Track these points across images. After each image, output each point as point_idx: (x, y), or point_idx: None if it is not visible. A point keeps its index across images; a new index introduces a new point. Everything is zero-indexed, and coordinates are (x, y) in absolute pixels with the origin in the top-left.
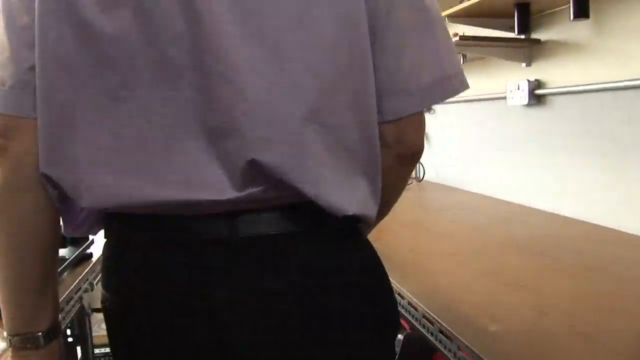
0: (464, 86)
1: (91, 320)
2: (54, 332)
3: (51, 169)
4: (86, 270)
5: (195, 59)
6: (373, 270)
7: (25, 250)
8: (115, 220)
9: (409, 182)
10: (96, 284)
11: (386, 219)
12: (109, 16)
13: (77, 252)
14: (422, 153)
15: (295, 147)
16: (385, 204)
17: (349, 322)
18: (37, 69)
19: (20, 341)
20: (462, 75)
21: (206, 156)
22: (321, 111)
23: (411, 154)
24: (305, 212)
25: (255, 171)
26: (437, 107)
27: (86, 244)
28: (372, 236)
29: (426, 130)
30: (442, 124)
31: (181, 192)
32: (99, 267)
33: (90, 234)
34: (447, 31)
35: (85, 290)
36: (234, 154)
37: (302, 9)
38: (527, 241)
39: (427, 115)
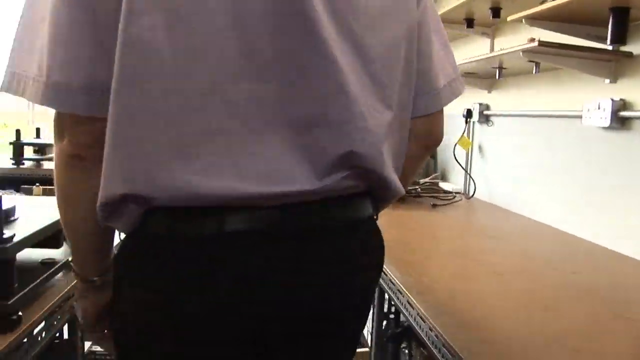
0: (462, 89)
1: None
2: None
3: (130, 183)
4: None
5: (283, 53)
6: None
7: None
8: (165, 214)
9: (459, 198)
10: None
11: (431, 244)
12: (202, 7)
13: None
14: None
15: (379, 139)
16: (406, 186)
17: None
18: (119, 60)
19: (86, 281)
20: (461, 78)
21: (288, 148)
22: (393, 107)
23: (436, 143)
24: (364, 200)
25: (344, 161)
26: (495, 119)
27: None
28: (419, 268)
29: (480, 142)
30: (501, 138)
31: (265, 185)
32: None
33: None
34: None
35: None
36: (325, 145)
37: (380, 12)
38: (610, 294)
39: (483, 127)
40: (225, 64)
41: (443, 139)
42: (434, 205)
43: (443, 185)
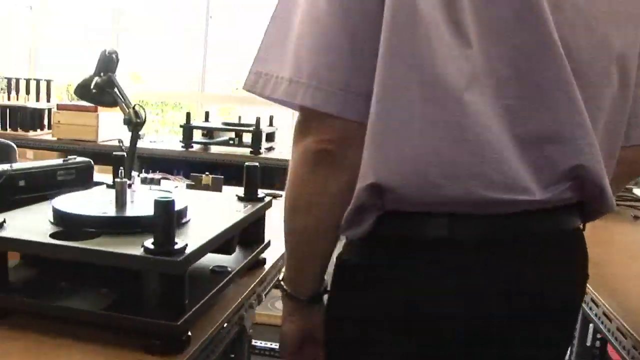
0: None
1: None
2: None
3: (382, 175)
4: (256, 281)
5: (521, 72)
6: None
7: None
8: (399, 218)
9: None
10: (265, 295)
11: None
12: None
13: (249, 258)
14: None
15: (599, 154)
16: None
17: None
18: (382, 68)
19: (298, 300)
20: None
21: (520, 159)
22: (599, 129)
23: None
24: (575, 212)
25: (570, 173)
26: None
27: (261, 246)
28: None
29: None
30: None
31: (500, 192)
32: (270, 276)
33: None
34: None
35: (250, 306)
36: (556, 158)
37: (599, 40)
38: None
39: None
40: (472, 77)
41: None
42: (636, 217)
43: (637, 191)
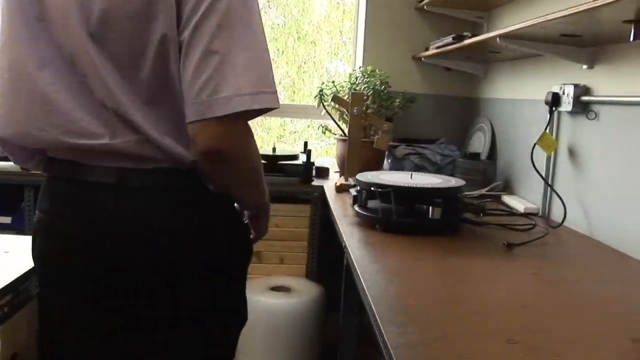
0: (247, 105)
1: None
2: None
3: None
4: None
5: (73, 60)
6: None
7: None
8: (47, 162)
9: (542, 231)
10: None
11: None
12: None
13: None
14: (219, 154)
15: (131, 113)
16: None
17: None
18: None
19: None
20: (259, 95)
21: (90, 116)
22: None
23: (203, 151)
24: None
25: (126, 126)
26: (601, 109)
27: None
28: None
29: (571, 143)
30: (611, 137)
31: (76, 138)
32: None
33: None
34: (256, 51)
35: None
36: (110, 117)
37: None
38: None
39: (579, 120)
40: (44, 62)
41: (507, 132)
42: (509, 245)
43: (508, 200)
